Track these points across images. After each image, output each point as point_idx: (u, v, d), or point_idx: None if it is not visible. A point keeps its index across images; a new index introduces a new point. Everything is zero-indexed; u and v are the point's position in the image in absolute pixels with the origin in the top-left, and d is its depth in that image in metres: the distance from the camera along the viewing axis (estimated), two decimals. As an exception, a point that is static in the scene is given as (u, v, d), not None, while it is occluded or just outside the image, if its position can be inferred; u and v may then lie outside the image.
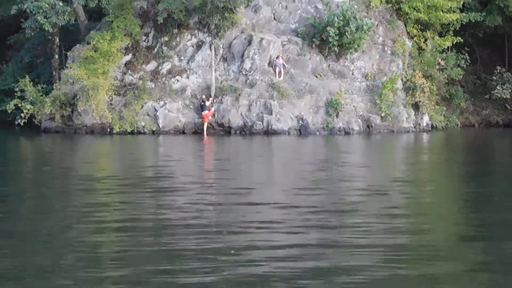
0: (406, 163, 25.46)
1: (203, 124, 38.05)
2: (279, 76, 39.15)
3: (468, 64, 45.55)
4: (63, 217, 13.60)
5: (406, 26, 44.45)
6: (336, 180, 19.30)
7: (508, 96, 44.95)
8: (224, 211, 14.46)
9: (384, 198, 16.05)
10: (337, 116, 39.13)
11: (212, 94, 38.76)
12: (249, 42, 40.21)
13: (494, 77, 45.83)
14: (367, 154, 29.66)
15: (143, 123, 38.45)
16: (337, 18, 39.47)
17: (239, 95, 38.63)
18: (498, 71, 45.83)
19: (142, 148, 32.32)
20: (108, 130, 38.53)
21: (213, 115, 38.28)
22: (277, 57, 39.57)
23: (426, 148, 33.04)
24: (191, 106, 39.10)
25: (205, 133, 37.77)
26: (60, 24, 40.44)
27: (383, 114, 39.99)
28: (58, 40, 43.01)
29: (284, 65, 39.38)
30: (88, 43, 39.92)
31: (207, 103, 37.91)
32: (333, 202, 15.42)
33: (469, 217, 13.95)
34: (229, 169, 22.53)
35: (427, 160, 26.58)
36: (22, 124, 39.32)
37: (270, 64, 39.77)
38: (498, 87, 45.12)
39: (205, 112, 37.80)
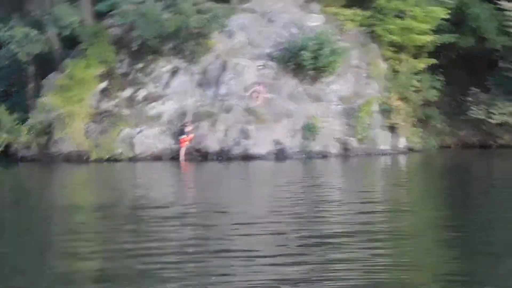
0: (380, 185, 25.71)
1: (180, 149, 38.04)
2: (258, 102, 39.32)
3: (443, 85, 46.02)
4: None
5: (380, 49, 44.77)
6: (310, 203, 19.47)
7: (483, 117, 45.29)
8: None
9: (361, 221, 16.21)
10: (314, 139, 39.30)
11: (189, 120, 38.79)
12: (224, 67, 40.47)
13: (469, 98, 46.19)
14: (343, 177, 29.95)
15: (119, 150, 38.46)
16: (312, 42, 39.78)
17: (216, 120, 38.80)
18: (473, 91, 46.22)
19: (119, 176, 32.36)
20: (85, 158, 38.39)
21: (190, 141, 38.30)
22: (259, 84, 39.81)
23: (402, 170, 33.41)
24: (167, 132, 39.16)
25: (182, 158, 37.78)
26: (34, 53, 40.42)
27: (360, 137, 40.26)
28: (33, 68, 42.96)
29: (262, 92, 39.59)
30: (63, 71, 40.04)
31: (187, 129, 37.99)
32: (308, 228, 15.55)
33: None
34: (202, 195, 22.62)
35: (403, 182, 26.85)
36: (-2, 153, 39.29)
37: (248, 91, 39.88)
38: (473, 108, 45.48)
39: (182, 137, 37.85)
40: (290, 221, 16.49)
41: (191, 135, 38.16)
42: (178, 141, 38.26)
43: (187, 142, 38.09)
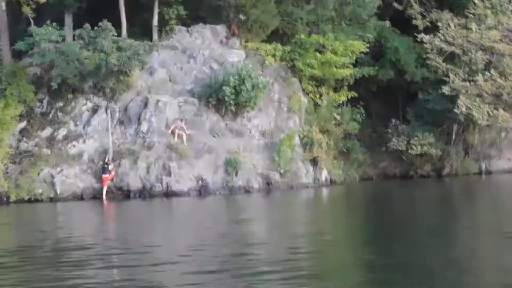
0: (301, 219, 26.75)
1: (102, 188, 38.75)
2: (179, 138, 40.13)
3: (363, 117, 47.84)
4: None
5: (301, 83, 46.25)
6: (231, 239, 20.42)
7: (404, 148, 46.89)
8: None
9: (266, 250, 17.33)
10: (236, 174, 40.21)
11: (110, 158, 39.42)
12: (145, 105, 41.37)
13: (389, 130, 47.87)
14: (266, 212, 31.03)
15: (40, 190, 38.72)
16: (233, 77, 40.96)
17: (137, 157, 39.50)
18: (393, 123, 47.97)
19: (40, 217, 32.77)
20: (5, 199, 38.53)
21: (112, 179, 38.97)
22: (181, 120, 40.59)
23: (324, 204, 34.57)
24: (89, 171, 39.73)
25: (104, 196, 38.52)
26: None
27: (282, 171, 41.31)
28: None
29: (183, 128, 40.36)
30: (-19, 112, 40.20)
31: (110, 166, 38.74)
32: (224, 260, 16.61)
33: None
34: (122, 235, 23.41)
35: (325, 216, 27.98)
36: None
37: (170, 127, 40.70)
38: (393, 139, 47.09)
39: (105, 175, 38.57)
40: (213, 259, 17.16)
41: (113, 173, 38.89)
42: (100, 180, 38.89)
43: (109, 181, 38.76)
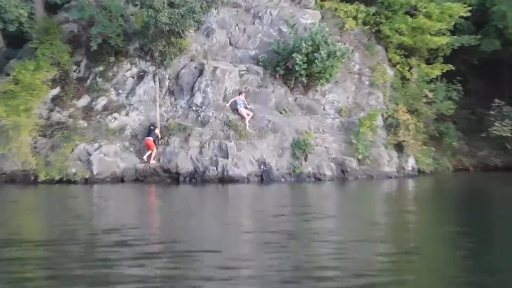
0: (383, 219, 25.63)
1: (148, 153, 38.67)
2: (243, 119, 39.70)
3: (460, 96, 46.75)
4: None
5: (387, 52, 45.63)
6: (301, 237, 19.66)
7: (509, 134, 45.70)
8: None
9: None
10: (305, 159, 39.64)
11: (158, 136, 39.22)
12: (201, 72, 41.01)
13: (491, 112, 46.68)
14: (338, 205, 29.96)
15: (73, 170, 38.40)
16: (305, 43, 40.31)
17: (189, 135, 39.12)
18: (497, 104, 46.69)
19: (73, 202, 32.11)
20: (32, 178, 38.35)
21: (158, 160, 38.65)
22: (240, 93, 40.22)
23: (409, 198, 33.13)
24: (131, 149, 39.44)
25: (152, 162, 38.58)
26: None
27: (360, 157, 40.64)
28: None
29: (245, 104, 40.03)
30: (8, 75, 40.42)
31: (157, 130, 38.91)
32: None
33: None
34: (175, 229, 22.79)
35: (411, 215, 26.63)
36: None
37: (227, 101, 40.44)
38: (496, 124, 45.96)
39: (149, 138, 38.58)
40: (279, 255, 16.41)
41: (160, 137, 39.02)
42: (145, 148, 38.87)
43: (154, 150, 38.60)
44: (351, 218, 24.17)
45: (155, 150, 38.58)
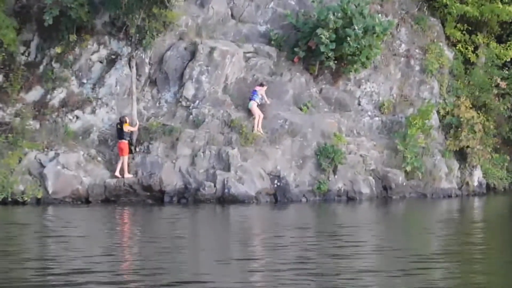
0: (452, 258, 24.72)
1: (119, 162, 38.32)
2: (253, 118, 39.56)
3: (544, 87, 46.35)
4: None
5: (444, 27, 45.52)
6: None
7: None
8: None
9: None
10: (334, 172, 39.48)
11: (134, 139, 38.88)
12: (192, 55, 40.80)
13: None
14: (388, 240, 29.08)
15: (21, 187, 37.98)
16: (334, 14, 39.96)
17: (177, 139, 38.91)
18: None
19: (19, 234, 31.70)
20: (-35, 198, 38.14)
21: (135, 173, 38.17)
22: (261, 84, 40.07)
23: (480, 227, 31.98)
24: (99, 159, 39.16)
25: (126, 173, 38.16)
26: None
27: (408, 169, 40.41)
28: None
29: (263, 99, 39.87)
30: None
31: (127, 128, 38.33)
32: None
33: None
34: None
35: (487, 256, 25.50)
36: None
37: (229, 93, 40.31)
38: None
39: (123, 140, 38.17)
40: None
41: (135, 132, 38.80)
42: (116, 153, 38.66)
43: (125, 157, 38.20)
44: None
45: (126, 157, 38.18)
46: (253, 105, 39.40)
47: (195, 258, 22.51)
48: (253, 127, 39.13)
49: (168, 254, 22.34)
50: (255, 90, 39.73)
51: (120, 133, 38.25)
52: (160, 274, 18.90)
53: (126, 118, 38.52)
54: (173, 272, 19.43)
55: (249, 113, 39.49)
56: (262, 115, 39.42)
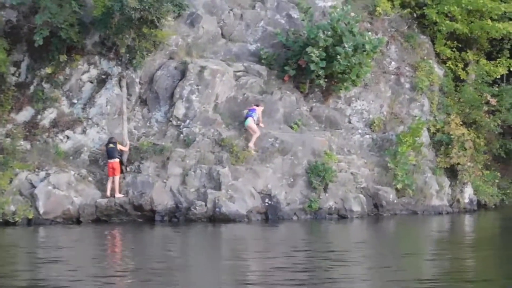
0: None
1: (110, 181, 38.38)
2: (250, 134, 39.65)
3: (535, 103, 46.45)
4: None
5: (434, 44, 45.62)
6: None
7: None
8: None
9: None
10: (325, 190, 39.48)
11: (125, 159, 38.98)
12: (183, 74, 40.89)
13: None
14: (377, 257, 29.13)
15: (12, 208, 37.98)
16: (323, 33, 40.10)
17: (168, 159, 38.98)
18: None
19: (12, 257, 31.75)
20: (-44, 219, 38.09)
21: (126, 192, 38.25)
22: (257, 105, 40.12)
23: (471, 246, 31.83)
24: (90, 179, 39.19)
25: (117, 193, 38.20)
26: None
27: (399, 186, 40.51)
28: None
29: (258, 120, 39.93)
30: None
31: (120, 147, 38.50)
32: None
33: None
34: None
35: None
36: None
37: (220, 112, 40.35)
38: None
39: (113, 160, 38.20)
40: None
41: (126, 152, 38.90)
42: (106, 171, 38.73)
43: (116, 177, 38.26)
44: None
45: (117, 177, 38.23)
46: (250, 122, 39.37)
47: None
48: (248, 144, 39.27)
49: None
50: (254, 108, 39.77)
51: (111, 153, 38.34)
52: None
53: (115, 138, 38.67)
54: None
55: (240, 131, 39.62)
56: (259, 133, 39.53)
